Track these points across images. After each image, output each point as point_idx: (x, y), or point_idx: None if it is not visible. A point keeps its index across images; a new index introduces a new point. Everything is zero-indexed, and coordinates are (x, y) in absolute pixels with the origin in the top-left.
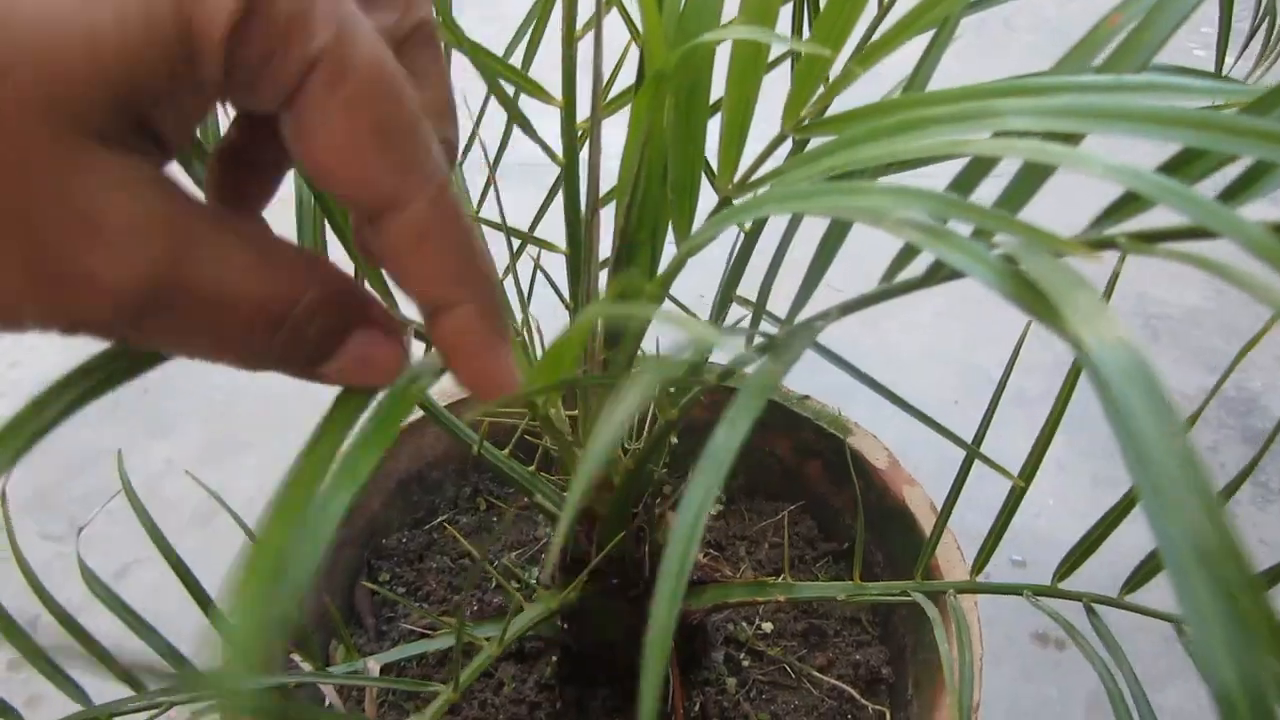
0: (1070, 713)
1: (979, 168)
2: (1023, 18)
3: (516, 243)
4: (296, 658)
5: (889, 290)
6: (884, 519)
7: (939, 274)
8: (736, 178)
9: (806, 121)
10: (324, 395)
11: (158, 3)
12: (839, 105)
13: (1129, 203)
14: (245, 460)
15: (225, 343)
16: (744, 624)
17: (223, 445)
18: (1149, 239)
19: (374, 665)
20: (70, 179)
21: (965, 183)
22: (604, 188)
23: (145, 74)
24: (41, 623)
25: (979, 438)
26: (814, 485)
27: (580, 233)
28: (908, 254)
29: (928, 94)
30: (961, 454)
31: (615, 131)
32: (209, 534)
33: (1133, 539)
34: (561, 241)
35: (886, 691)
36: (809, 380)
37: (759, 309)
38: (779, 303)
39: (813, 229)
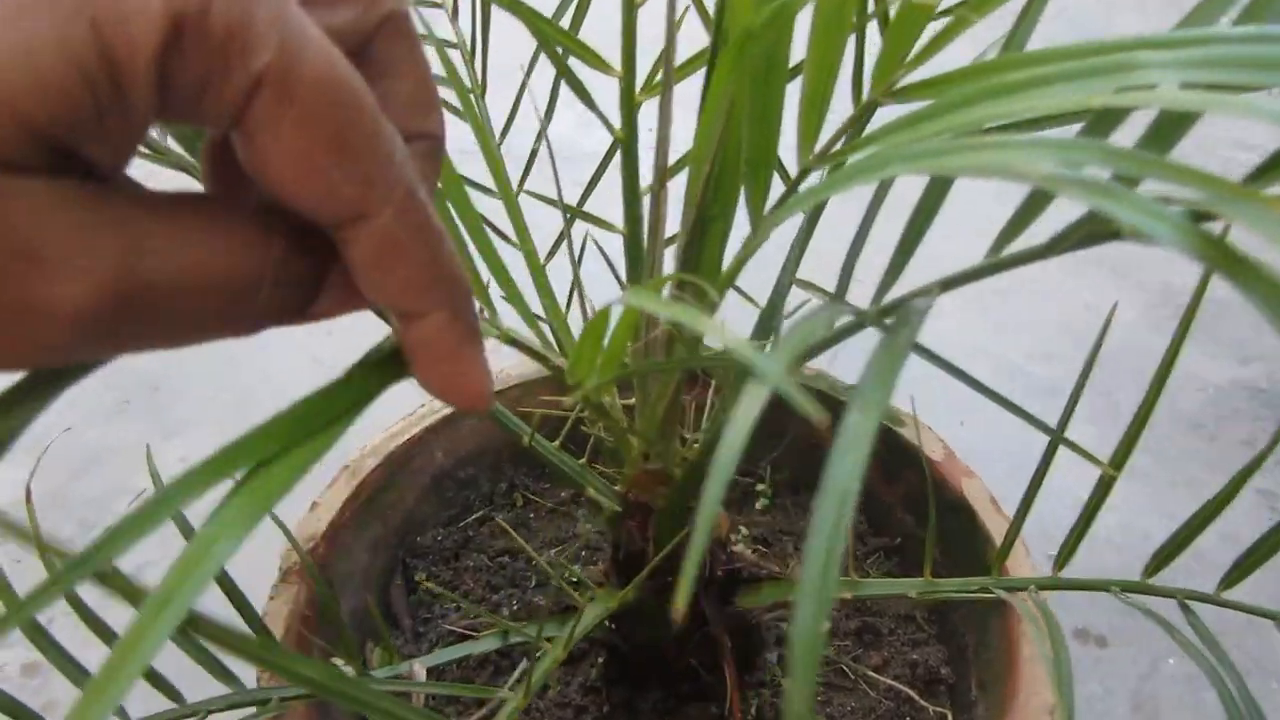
0: (1115, 710)
1: (1104, 123)
2: None
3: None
4: (338, 661)
5: (998, 263)
6: (940, 512)
7: (1064, 242)
8: (818, 148)
9: (900, 84)
10: None
11: (72, 29)
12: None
13: None
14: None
15: (208, 323)
16: None
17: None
18: None
19: (420, 669)
20: (2, 207)
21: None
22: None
23: (63, 106)
24: (54, 626)
25: (1062, 425)
26: (863, 479)
27: (639, 210)
28: (1020, 222)
29: (1048, 50)
30: (1009, 445)
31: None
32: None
33: (1209, 537)
34: (617, 220)
35: (947, 692)
36: (850, 369)
37: (841, 290)
38: (829, 283)
39: (891, 204)
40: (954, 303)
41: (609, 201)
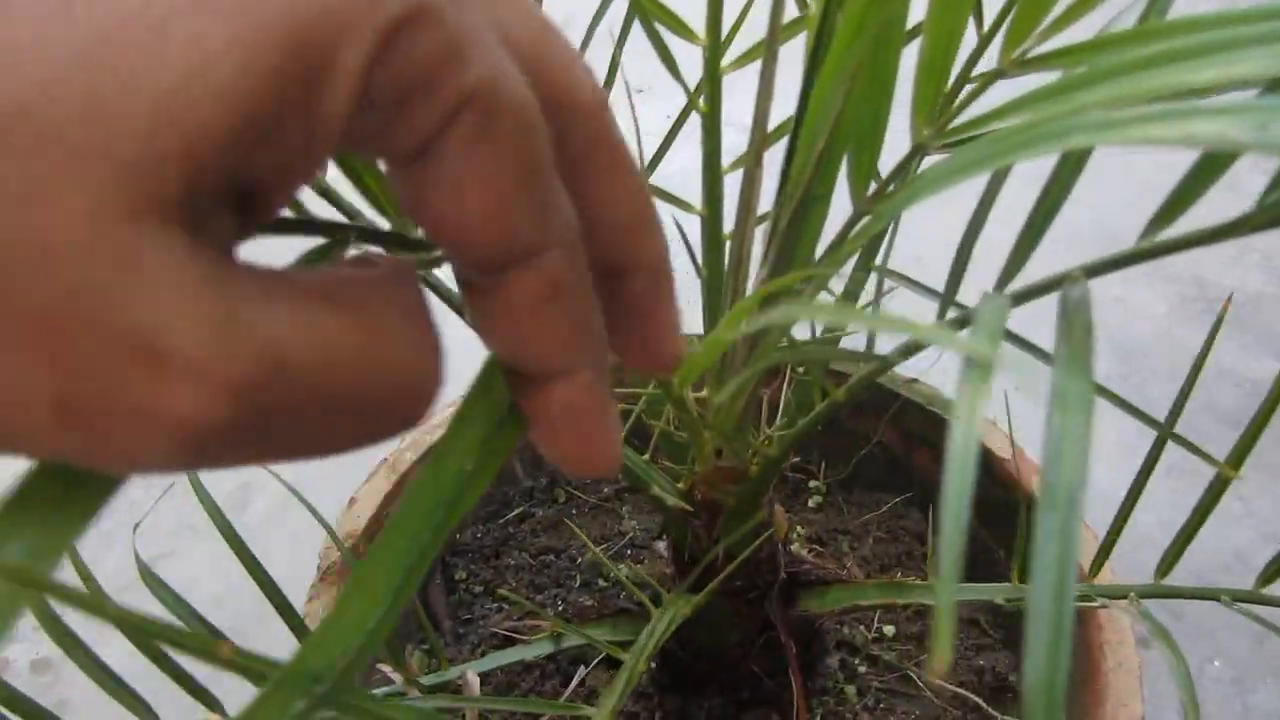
0: (1162, 714)
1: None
2: None
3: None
4: (385, 667)
5: (1150, 249)
6: (1011, 513)
7: (1248, 224)
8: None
9: (1032, 54)
10: None
11: (268, 17)
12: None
13: None
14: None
15: (374, 429)
16: (861, 627)
17: None
18: None
19: (474, 677)
20: (121, 279)
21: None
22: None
23: (242, 120)
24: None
25: (1171, 420)
26: (922, 475)
27: (719, 190)
28: (1177, 205)
29: (1226, 14)
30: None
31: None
32: (243, 522)
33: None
34: (695, 200)
35: (1015, 700)
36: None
37: (953, 284)
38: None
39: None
40: (1058, 246)
41: (681, 182)
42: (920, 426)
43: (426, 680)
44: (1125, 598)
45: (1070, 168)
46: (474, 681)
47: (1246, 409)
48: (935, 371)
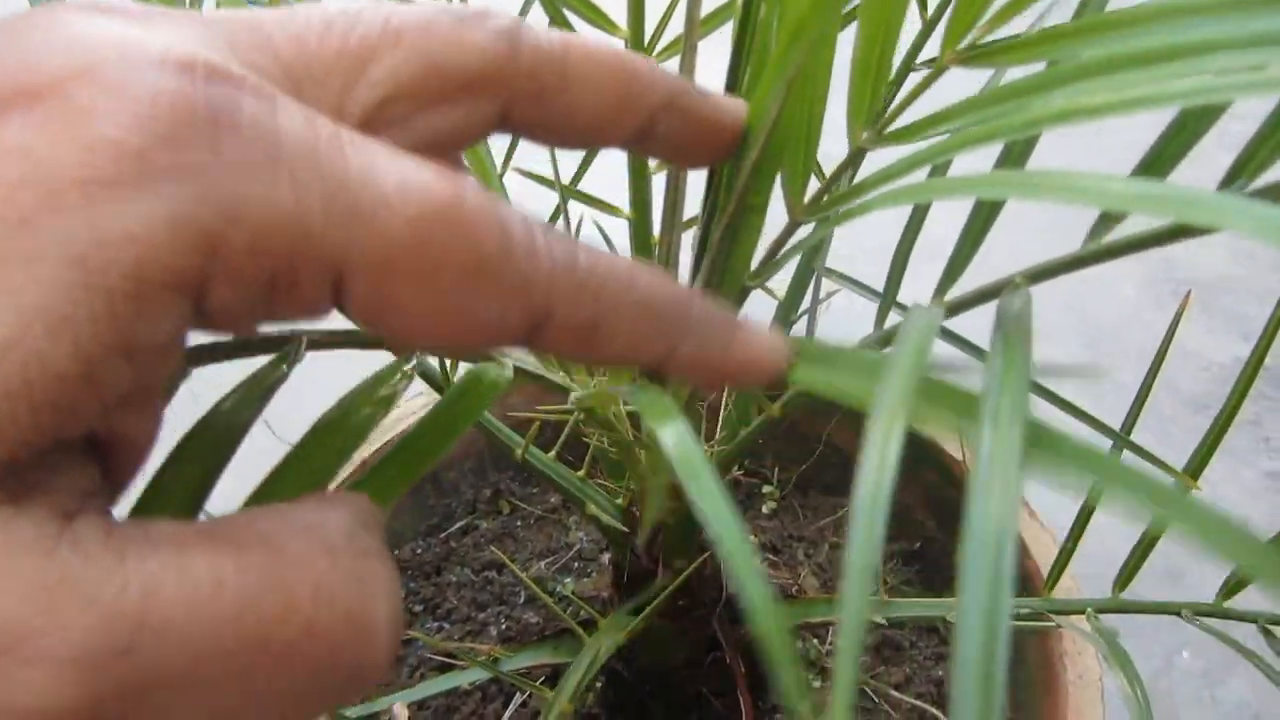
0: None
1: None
2: None
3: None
4: None
5: (1090, 254)
6: (954, 515)
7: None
8: (876, 126)
9: (976, 48)
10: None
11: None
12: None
13: None
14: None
15: (299, 702)
16: (814, 640)
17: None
18: None
19: (401, 710)
20: None
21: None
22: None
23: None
24: None
25: (1128, 427)
26: None
27: (647, 194)
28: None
29: (1175, 3)
30: None
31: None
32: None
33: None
34: (622, 203)
35: None
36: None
37: (892, 286)
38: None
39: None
40: (1002, 248)
41: (609, 184)
42: None
43: (352, 713)
44: (1082, 613)
45: (1013, 163)
46: (402, 715)
47: (1210, 393)
48: None
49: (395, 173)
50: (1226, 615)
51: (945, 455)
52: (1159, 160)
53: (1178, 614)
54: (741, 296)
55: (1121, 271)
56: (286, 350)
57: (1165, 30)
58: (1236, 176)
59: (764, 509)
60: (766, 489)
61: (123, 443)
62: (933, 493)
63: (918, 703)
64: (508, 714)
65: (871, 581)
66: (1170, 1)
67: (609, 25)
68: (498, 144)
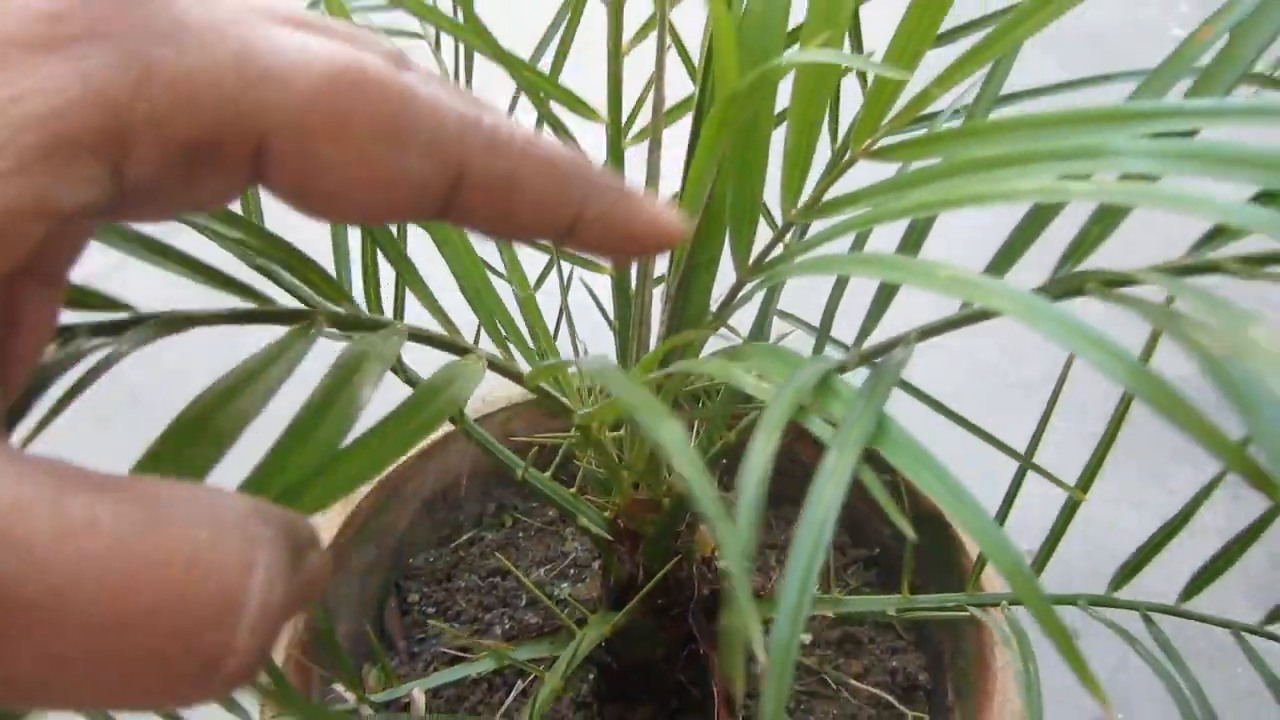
0: (1086, 701)
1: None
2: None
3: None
4: (338, 686)
5: (970, 315)
6: (915, 526)
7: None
8: (801, 203)
9: (879, 145)
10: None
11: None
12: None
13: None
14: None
15: (148, 669)
16: None
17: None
18: (1254, 262)
19: (419, 695)
20: None
21: (1040, 216)
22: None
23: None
24: None
25: (1030, 451)
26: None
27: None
28: (1001, 266)
29: (1028, 118)
30: (994, 463)
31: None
32: None
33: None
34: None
35: (925, 698)
36: None
37: (824, 330)
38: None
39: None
40: (927, 300)
41: None
42: None
43: (379, 697)
44: (998, 606)
45: (911, 244)
46: (419, 699)
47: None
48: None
49: (298, 42)
50: (1115, 604)
51: (897, 472)
52: (1019, 239)
53: (1074, 604)
54: (701, 340)
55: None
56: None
57: (1021, 139)
58: (1066, 262)
59: None
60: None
61: (16, 328)
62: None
63: (875, 690)
64: (509, 699)
65: (827, 581)
66: (1024, 116)
67: (591, 114)
68: None
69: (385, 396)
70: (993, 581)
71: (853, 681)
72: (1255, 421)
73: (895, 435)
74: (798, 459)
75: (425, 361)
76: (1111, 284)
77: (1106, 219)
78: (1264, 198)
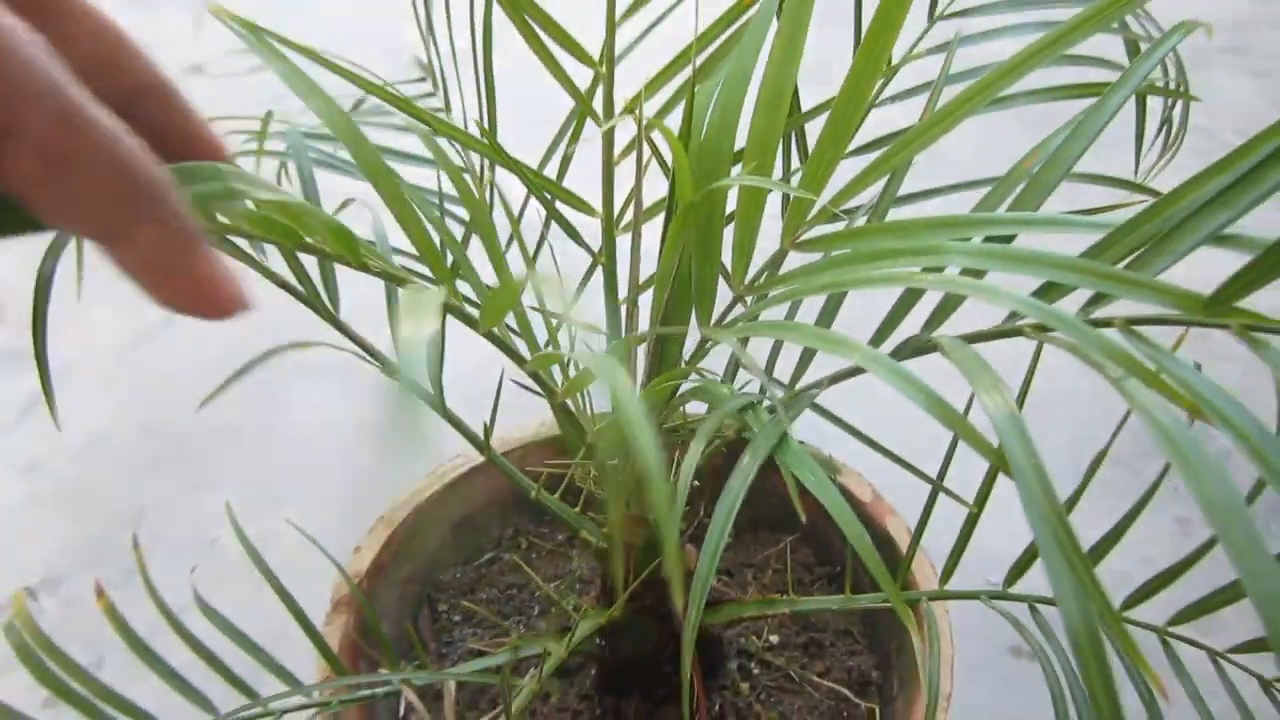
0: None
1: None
2: None
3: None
4: (383, 670)
5: (854, 369)
6: (875, 546)
7: (904, 352)
8: (747, 280)
9: (801, 239)
10: (354, 453)
11: None
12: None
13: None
14: (286, 511)
15: (98, 200)
16: (754, 638)
17: (263, 498)
18: (1044, 329)
19: (451, 685)
20: None
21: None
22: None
23: None
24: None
25: (941, 474)
26: (810, 518)
27: (618, 318)
28: (885, 330)
29: (895, 225)
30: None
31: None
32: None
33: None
34: (600, 323)
35: (876, 691)
36: (806, 431)
37: (767, 377)
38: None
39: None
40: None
41: (591, 311)
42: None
43: (417, 680)
44: (920, 602)
45: (828, 314)
46: (449, 689)
47: (1128, 449)
48: (811, 434)
49: None
50: (1010, 598)
51: (856, 499)
52: (899, 310)
53: (978, 598)
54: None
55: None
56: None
57: (895, 238)
58: (926, 327)
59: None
60: None
61: None
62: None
63: (834, 686)
64: (525, 685)
65: (787, 587)
66: (897, 221)
67: (589, 209)
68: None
69: None
70: (924, 584)
71: (815, 678)
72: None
73: (793, 447)
74: (772, 490)
75: None
76: (923, 349)
77: (951, 300)
78: (1048, 286)
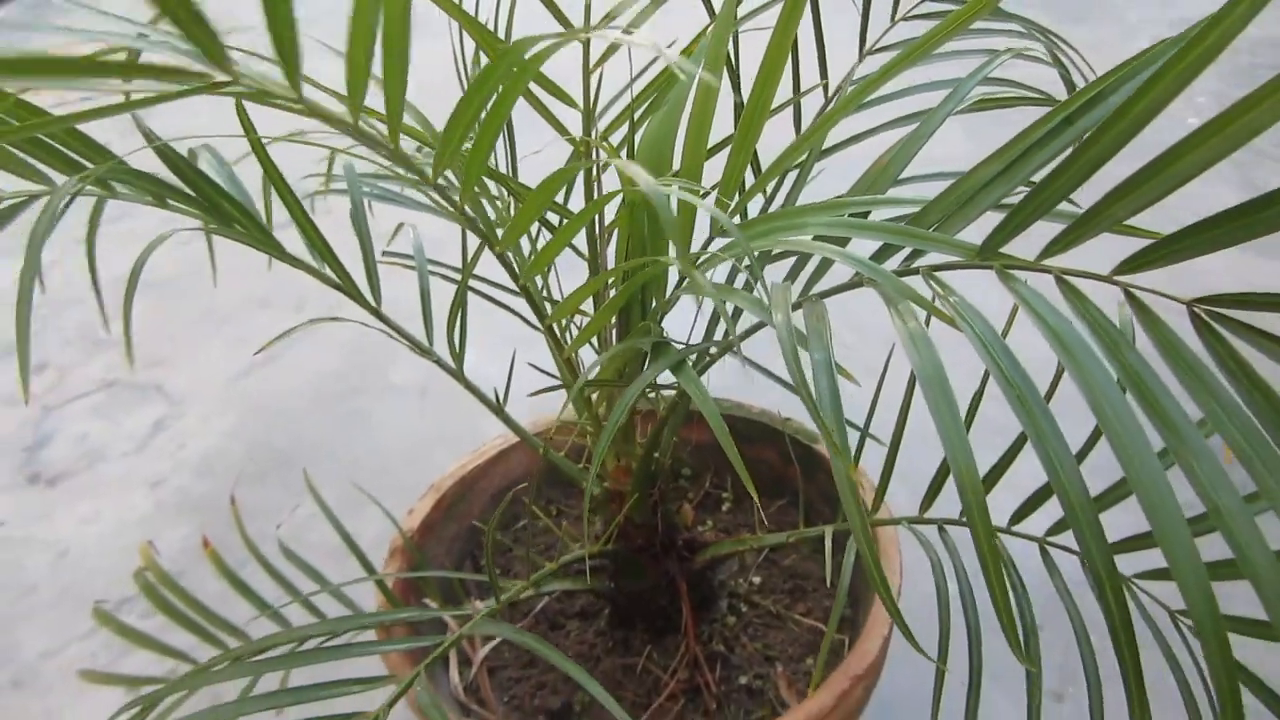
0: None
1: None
2: None
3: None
4: (432, 603)
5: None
6: (838, 500)
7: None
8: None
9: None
10: (428, 460)
11: None
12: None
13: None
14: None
15: None
16: (742, 580)
17: (350, 502)
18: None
19: (480, 605)
20: None
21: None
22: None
23: None
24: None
25: (867, 424)
26: (794, 484)
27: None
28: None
29: (796, 209)
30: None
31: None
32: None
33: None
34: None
35: (850, 626)
36: (790, 406)
37: (709, 334)
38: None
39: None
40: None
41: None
42: (792, 450)
43: (460, 613)
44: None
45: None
46: (478, 605)
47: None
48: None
49: None
50: (923, 521)
51: (828, 461)
52: (797, 265)
53: (900, 524)
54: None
55: None
56: None
57: (800, 215)
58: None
59: (723, 508)
60: (724, 495)
61: None
62: (824, 489)
63: (814, 623)
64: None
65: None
66: (803, 205)
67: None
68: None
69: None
70: (890, 509)
71: (798, 616)
72: None
73: (689, 373)
74: (765, 461)
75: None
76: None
77: (825, 262)
78: (884, 248)
